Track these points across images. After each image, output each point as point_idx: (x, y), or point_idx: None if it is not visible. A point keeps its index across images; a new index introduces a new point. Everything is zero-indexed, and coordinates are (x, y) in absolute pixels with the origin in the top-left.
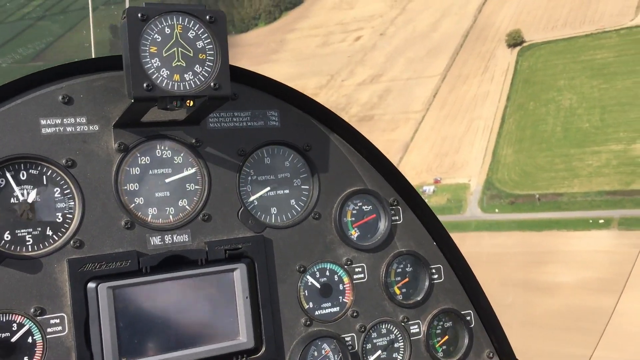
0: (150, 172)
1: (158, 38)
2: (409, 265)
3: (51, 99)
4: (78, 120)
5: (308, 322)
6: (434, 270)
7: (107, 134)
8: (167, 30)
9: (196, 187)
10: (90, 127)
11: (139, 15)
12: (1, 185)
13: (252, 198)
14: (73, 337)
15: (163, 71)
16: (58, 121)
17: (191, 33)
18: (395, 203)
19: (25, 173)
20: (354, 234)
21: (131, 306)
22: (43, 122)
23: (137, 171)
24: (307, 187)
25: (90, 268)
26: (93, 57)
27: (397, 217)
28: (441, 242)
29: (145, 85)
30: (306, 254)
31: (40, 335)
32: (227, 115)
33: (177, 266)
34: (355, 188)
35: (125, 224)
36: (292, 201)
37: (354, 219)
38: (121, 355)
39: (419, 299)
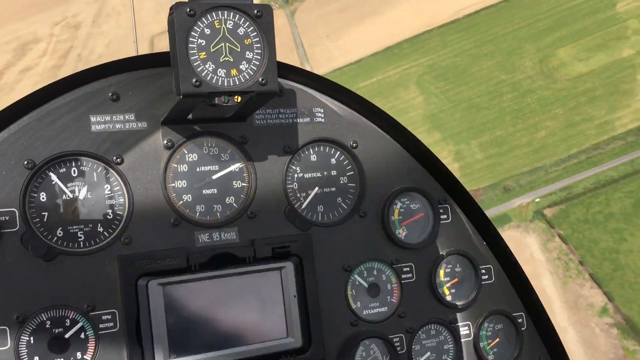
0: (198, 169)
1: (205, 34)
2: (458, 266)
3: (100, 95)
4: (127, 117)
5: (355, 322)
6: (484, 271)
7: (155, 130)
8: (215, 26)
9: (243, 184)
10: (139, 124)
11: (187, 10)
12: (53, 182)
13: (304, 204)
14: (124, 333)
15: (211, 67)
16: (107, 118)
17: (238, 28)
18: (443, 201)
19: (76, 170)
20: (402, 232)
21: (180, 303)
22: (93, 119)
23: (185, 168)
24: (353, 185)
25: (140, 265)
26: (137, 54)
27: (445, 216)
28: (491, 241)
29: (193, 81)
30: (353, 252)
31: (92, 331)
32: (273, 112)
33: (225, 264)
34: (402, 186)
35: (173, 221)
36: (339, 199)
37: (401, 217)
38: (171, 352)
39: (468, 300)
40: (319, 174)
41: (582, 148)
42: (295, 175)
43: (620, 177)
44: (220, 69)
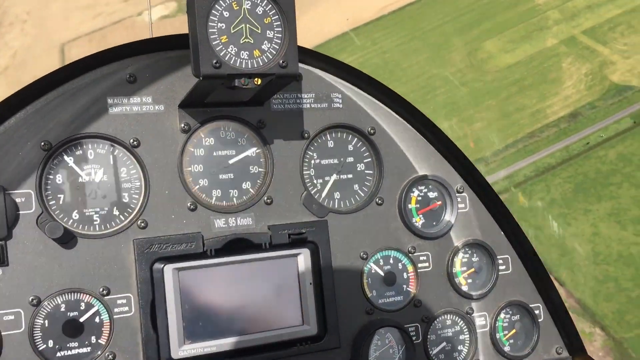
0: (215, 154)
1: (225, 15)
2: (475, 255)
3: (118, 78)
4: (144, 99)
5: (371, 311)
6: (501, 261)
7: (172, 114)
8: (235, 7)
9: (259, 169)
10: (156, 107)
11: None
12: (69, 165)
13: (323, 194)
14: (139, 318)
15: (231, 48)
16: (125, 100)
17: (259, 9)
18: (461, 190)
19: (93, 152)
20: (419, 221)
21: (196, 288)
22: (110, 101)
23: (202, 152)
24: (370, 172)
25: (156, 249)
26: (151, 36)
27: (463, 205)
28: (509, 231)
29: (214, 62)
30: (369, 240)
31: (107, 315)
32: (291, 96)
33: (241, 250)
34: (420, 174)
35: (189, 205)
36: (356, 186)
37: (418, 205)
38: (186, 337)
39: (485, 290)
40: (336, 160)
41: (518, 137)
42: (312, 161)
43: (558, 163)
44: (241, 51)
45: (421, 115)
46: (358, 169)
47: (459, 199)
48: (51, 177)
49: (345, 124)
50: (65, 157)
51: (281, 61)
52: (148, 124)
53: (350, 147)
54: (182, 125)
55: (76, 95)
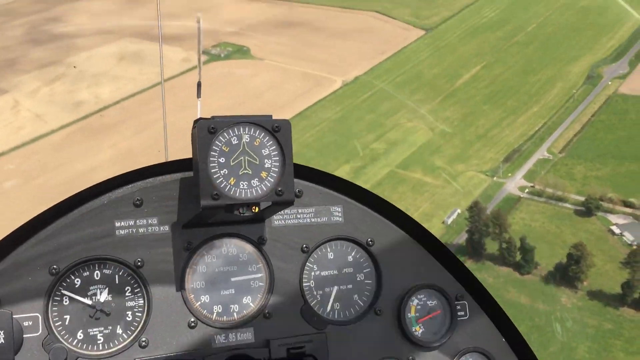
0: (216, 270)
1: (225, 149)
2: None
3: (125, 201)
4: (150, 221)
5: None
6: None
7: (176, 234)
8: (235, 141)
9: (260, 283)
10: (161, 228)
11: (209, 127)
12: (77, 286)
13: (328, 308)
14: None
15: (230, 180)
16: (131, 222)
17: (257, 141)
18: (460, 298)
19: (99, 273)
20: (418, 330)
21: None
22: (118, 224)
23: (204, 269)
24: (369, 282)
25: None
26: (167, 159)
27: (463, 313)
28: (511, 339)
29: (213, 194)
30: (368, 351)
31: None
32: (292, 212)
33: None
34: (418, 283)
35: (190, 322)
36: (355, 296)
37: (418, 314)
38: None
39: None
40: (335, 272)
41: None
42: (312, 273)
43: None
44: (239, 182)
45: (417, 225)
46: (357, 279)
47: (458, 307)
48: (58, 299)
49: (345, 237)
50: (73, 279)
51: (278, 189)
52: (153, 245)
53: (350, 258)
54: (186, 244)
55: (85, 221)
